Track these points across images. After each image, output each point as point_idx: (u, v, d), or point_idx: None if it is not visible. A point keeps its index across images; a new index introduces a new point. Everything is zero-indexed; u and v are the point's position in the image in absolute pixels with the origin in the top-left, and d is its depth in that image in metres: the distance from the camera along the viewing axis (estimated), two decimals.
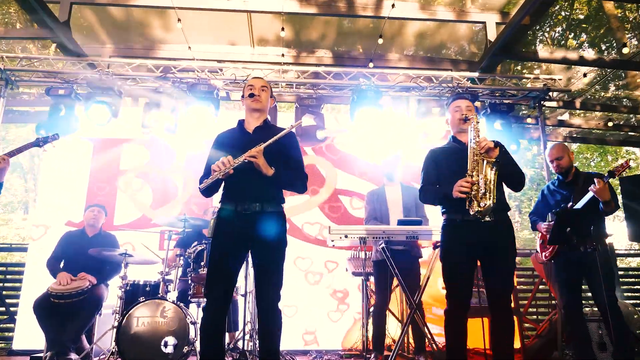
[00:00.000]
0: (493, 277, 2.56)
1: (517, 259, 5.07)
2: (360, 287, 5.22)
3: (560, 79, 5.50)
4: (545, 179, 5.48)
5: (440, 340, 4.09)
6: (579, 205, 3.24)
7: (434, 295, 5.06)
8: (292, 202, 5.34)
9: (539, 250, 3.64)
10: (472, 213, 2.45)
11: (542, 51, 5.87)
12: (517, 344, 4.55)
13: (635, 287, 6.93)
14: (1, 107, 5.25)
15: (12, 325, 5.17)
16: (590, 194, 3.18)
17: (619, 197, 4.03)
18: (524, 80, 5.88)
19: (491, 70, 5.80)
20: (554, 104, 6.20)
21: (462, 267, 2.58)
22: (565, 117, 7.96)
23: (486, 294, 2.60)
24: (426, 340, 3.82)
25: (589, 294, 3.52)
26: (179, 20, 4.94)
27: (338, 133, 5.83)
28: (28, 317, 4.06)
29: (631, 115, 8.84)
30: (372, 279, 4.16)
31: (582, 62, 5.73)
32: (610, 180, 3.19)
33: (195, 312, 3.80)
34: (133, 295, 3.73)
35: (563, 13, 10.22)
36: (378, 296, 3.92)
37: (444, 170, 2.75)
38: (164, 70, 5.34)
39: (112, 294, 4.13)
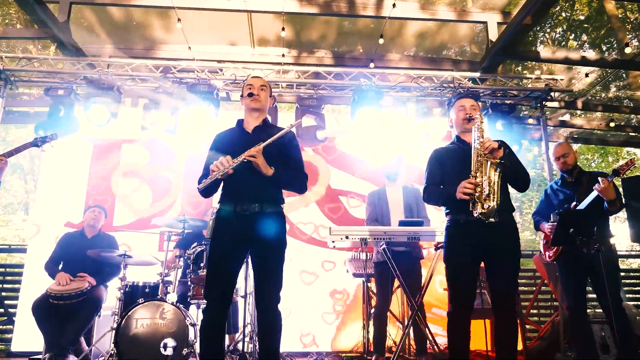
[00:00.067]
0: (497, 278, 2.53)
1: None
2: (359, 288, 5.20)
3: (562, 79, 5.48)
4: (547, 180, 5.45)
5: (440, 340, 4.07)
6: (584, 204, 3.21)
7: (434, 295, 5.04)
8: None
9: (542, 250, 3.61)
10: (475, 215, 2.42)
11: (544, 51, 5.84)
12: (519, 346, 4.52)
13: (637, 288, 6.90)
14: (0, 107, 5.23)
15: (10, 326, 5.15)
16: (594, 193, 3.15)
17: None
18: (525, 80, 5.86)
19: (492, 71, 5.77)
20: (555, 104, 6.17)
21: (465, 268, 2.55)
22: (566, 117, 7.94)
23: (490, 295, 2.57)
24: (427, 342, 3.80)
25: (592, 295, 3.49)
26: (178, 20, 4.92)
27: (339, 134, 5.81)
28: (27, 318, 4.03)
29: (632, 116, 8.81)
30: (372, 280, 4.14)
31: (584, 62, 5.71)
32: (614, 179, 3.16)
33: (195, 314, 3.77)
34: (132, 296, 3.69)
35: (564, 14, 10.22)
36: (379, 298, 3.90)
37: (448, 170, 2.72)
38: (163, 71, 5.32)
39: (111, 296, 4.10)
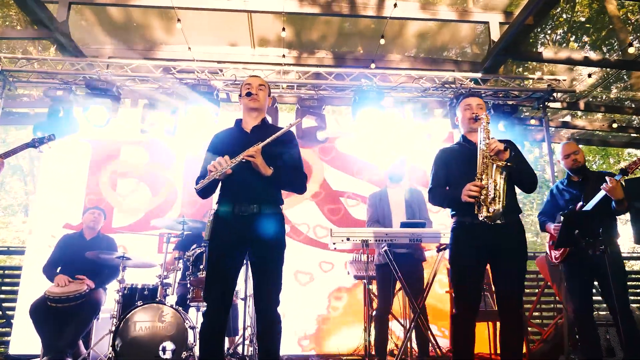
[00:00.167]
0: (503, 280, 2.49)
1: None
2: (358, 290, 5.16)
3: (565, 80, 5.44)
4: (551, 182, 5.42)
5: (441, 342, 4.02)
6: (591, 205, 3.16)
7: (434, 296, 5.01)
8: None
9: (548, 251, 3.56)
10: (480, 218, 2.39)
11: (546, 51, 5.80)
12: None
13: (638, 290, 6.85)
14: None
15: (8, 329, 5.10)
16: (602, 193, 3.10)
17: None
18: (526, 81, 5.82)
19: (494, 71, 5.74)
20: (557, 105, 6.13)
21: (470, 270, 2.51)
22: (567, 119, 7.91)
23: (496, 298, 2.54)
24: (429, 345, 3.75)
25: (596, 298, 3.45)
26: (178, 20, 4.89)
27: (339, 134, 5.78)
28: (25, 321, 3.99)
29: (634, 117, 8.78)
30: (373, 282, 4.09)
31: (586, 62, 5.68)
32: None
33: (195, 317, 3.73)
34: (131, 299, 3.67)
35: (564, 15, 10.20)
36: (381, 300, 3.85)
37: (453, 171, 2.68)
38: (163, 71, 5.29)
39: (109, 298, 4.06)
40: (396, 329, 4.35)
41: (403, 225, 3.61)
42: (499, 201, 2.35)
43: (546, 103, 5.54)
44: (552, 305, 6.08)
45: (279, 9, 5.32)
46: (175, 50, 6.09)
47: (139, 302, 3.47)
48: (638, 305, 6.36)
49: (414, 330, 3.72)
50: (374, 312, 3.93)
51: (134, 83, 5.36)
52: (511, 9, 5.62)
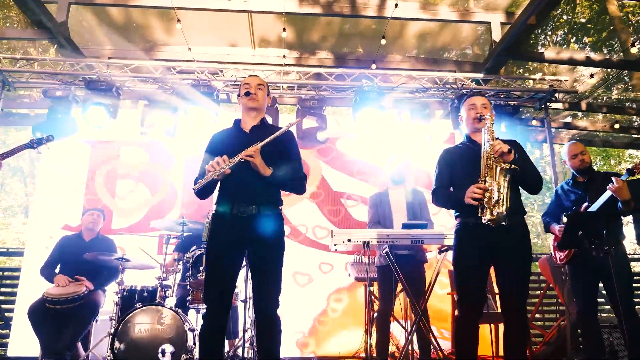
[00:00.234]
0: (507, 281, 2.46)
1: None
2: (358, 291, 5.13)
3: (567, 80, 5.41)
4: (552, 183, 5.38)
5: (442, 344, 3.99)
6: (596, 205, 3.13)
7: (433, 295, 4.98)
8: None
9: (553, 252, 3.53)
10: (484, 221, 2.36)
11: (548, 52, 5.77)
12: None
13: None
14: None
15: (7, 331, 5.07)
16: (608, 194, 3.07)
17: None
18: (528, 81, 5.80)
19: (496, 71, 5.71)
20: (559, 105, 6.10)
21: (474, 271, 2.48)
22: (569, 119, 7.87)
23: (500, 300, 2.49)
24: (431, 347, 3.71)
25: (600, 300, 3.41)
26: (178, 20, 4.87)
27: (339, 135, 5.76)
28: (24, 323, 3.96)
29: (635, 118, 8.75)
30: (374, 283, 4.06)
31: (588, 62, 5.65)
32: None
33: (194, 319, 3.70)
34: (130, 301, 3.63)
35: (565, 16, 10.20)
36: (382, 302, 3.82)
37: (457, 172, 2.65)
38: (163, 72, 5.27)
39: (109, 300, 4.03)
40: (397, 331, 4.32)
41: (404, 226, 3.58)
42: (503, 204, 2.32)
43: (548, 104, 5.51)
44: (555, 307, 6.05)
45: (279, 10, 5.30)
46: (175, 50, 6.07)
47: (138, 304, 3.44)
48: None
49: (415, 332, 3.69)
50: (375, 314, 3.90)
51: (133, 84, 5.34)
52: (513, 9, 5.60)
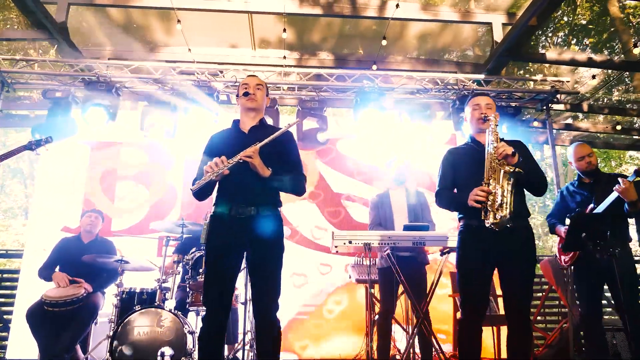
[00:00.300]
0: (511, 284, 2.43)
1: None
2: (357, 293, 5.09)
3: (569, 81, 5.39)
4: (555, 185, 5.35)
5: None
6: (602, 207, 3.10)
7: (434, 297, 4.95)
8: None
9: (558, 254, 3.50)
10: (487, 225, 2.33)
11: (550, 53, 5.75)
12: None
13: None
14: None
15: (5, 333, 5.04)
16: (614, 195, 3.04)
17: None
18: (529, 82, 5.78)
19: (497, 72, 5.69)
20: (561, 106, 6.07)
21: (477, 273, 2.45)
22: (569, 121, 7.85)
23: (503, 303, 2.46)
24: (433, 351, 3.68)
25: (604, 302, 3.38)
26: (178, 21, 4.85)
27: (340, 136, 5.74)
28: (22, 325, 3.93)
29: (636, 119, 8.71)
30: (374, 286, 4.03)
31: (590, 63, 5.62)
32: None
33: (194, 321, 3.66)
34: (129, 303, 3.61)
35: (565, 18, 10.19)
36: (383, 304, 3.78)
37: (461, 173, 2.62)
38: (163, 73, 5.24)
39: (107, 302, 4.00)
40: (397, 333, 4.28)
41: (406, 228, 3.55)
42: (506, 207, 2.29)
43: (550, 105, 5.49)
44: (557, 310, 6.01)
45: (279, 10, 5.28)
46: (175, 51, 6.04)
47: (137, 307, 3.41)
48: None
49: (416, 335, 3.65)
50: (376, 317, 3.87)
51: (133, 85, 5.32)
52: (514, 10, 5.58)
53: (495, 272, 2.54)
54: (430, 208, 4.02)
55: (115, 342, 3.22)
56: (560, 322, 4.65)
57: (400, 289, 3.70)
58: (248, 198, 2.32)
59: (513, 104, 5.33)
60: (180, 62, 5.53)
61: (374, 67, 5.49)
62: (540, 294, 5.75)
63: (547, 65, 8.44)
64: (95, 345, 3.89)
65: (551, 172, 5.65)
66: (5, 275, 6.37)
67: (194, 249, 3.80)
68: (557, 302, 5.88)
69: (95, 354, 3.87)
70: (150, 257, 4.77)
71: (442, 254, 3.52)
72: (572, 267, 3.36)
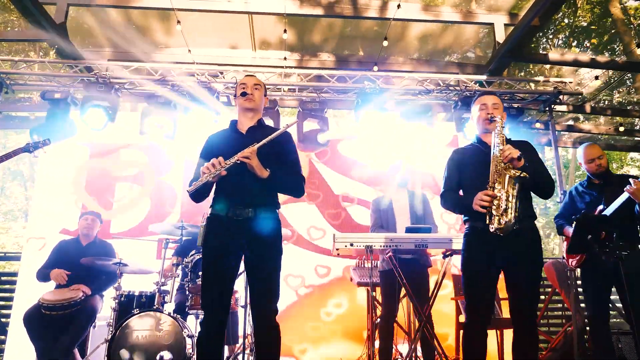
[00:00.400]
0: (517, 286, 2.38)
1: None
2: (356, 295, 5.04)
3: (571, 82, 5.35)
4: (558, 187, 5.30)
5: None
6: (612, 208, 3.05)
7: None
8: None
9: (565, 256, 3.45)
10: (492, 230, 2.29)
11: (552, 53, 5.72)
12: None
13: None
14: None
15: (3, 337, 4.99)
16: (624, 196, 2.99)
17: None
18: (531, 83, 5.74)
19: (499, 73, 5.66)
20: (563, 108, 6.04)
21: (482, 275, 2.40)
22: (570, 122, 7.82)
23: (509, 306, 2.41)
24: (436, 354, 3.63)
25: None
26: (178, 22, 4.82)
27: (340, 137, 5.70)
28: (20, 329, 3.89)
29: (637, 121, 8.69)
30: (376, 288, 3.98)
31: (593, 64, 5.59)
32: None
33: (193, 325, 3.63)
34: (128, 306, 3.57)
35: (566, 20, 10.18)
36: (385, 307, 3.74)
37: (467, 174, 2.58)
38: (163, 74, 5.21)
39: (106, 305, 3.96)
40: (400, 337, 4.24)
41: (408, 230, 3.51)
42: (511, 212, 2.25)
43: (552, 106, 5.45)
44: (561, 313, 5.95)
45: (280, 11, 5.25)
46: (175, 53, 6.02)
47: (135, 310, 3.37)
48: None
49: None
50: (378, 320, 3.82)
51: (133, 86, 5.29)
52: (516, 11, 5.55)
53: (500, 275, 2.49)
54: (432, 210, 3.98)
55: (113, 346, 3.17)
56: (565, 326, 4.59)
57: (402, 291, 3.65)
58: (246, 199, 2.28)
59: (515, 105, 5.29)
60: (180, 63, 5.50)
61: (375, 68, 5.46)
62: (544, 297, 5.69)
63: (547, 67, 8.43)
64: (93, 349, 3.84)
65: (553, 174, 5.61)
66: (3, 278, 6.33)
67: (193, 252, 3.75)
68: (559, 305, 5.83)
69: (93, 358, 3.82)
70: (149, 259, 4.74)
71: (445, 256, 3.47)
72: (580, 269, 3.31)
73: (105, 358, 3.19)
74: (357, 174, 5.63)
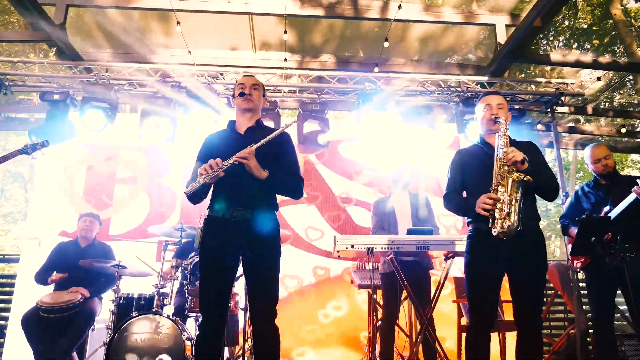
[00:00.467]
0: (521, 289, 2.35)
1: None
2: (356, 297, 5.01)
3: (573, 83, 5.32)
4: (560, 190, 5.28)
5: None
6: (618, 209, 3.02)
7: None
8: None
9: (570, 258, 3.42)
10: (494, 233, 2.27)
11: (554, 54, 5.70)
12: None
13: None
14: None
15: (1, 340, 4.96)
16: (632, 197, 2.96)
17: None
18: (532, 85, 5.71)
19: (500, 74, 5.63)
20: (565, 109, 6.01)
21: (486, 277, 2.38)
22: (572, 124, 7.80)
23: (513, 309, 2.38)
24: (437, 357, 3.60)
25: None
26: (178, 23, 4.80)
27: (341, 139, 5.68)
28: (18, 331, 3.86)
29: (637, 122, 8.66)
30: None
31: (595, 65, 5.56)
32: None
33: (193, 328, 3.59)
34: (126, 309, 3.54)
35: (567, 22, 10.19)
36: (386, 310, 3.71)
37: (470, 175, 2.55)
38: (162, 75, 5.19)
39: (104, 308, 3.93)
40: (401, 340, 4.20)
41: (409, 232, 3.49)
42: (514, 216, 2.23)
43: (554, 107, 5.42)
44: (563, 315, 5.92)
45: (280, 12, 5.23)
46: (175, 54, 5.99)
47: (134, 313, 3.34)
48: None
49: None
50: (379, 322, 3.79)
51: (132, 87, 5.26)
52: (517, 12, 5.53)
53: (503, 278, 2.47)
54: (434, 211, 3.95)
55: (112, 349, 3.14)
56: (567, 328, 4.56)
57: (404, 294, 3.62)
58: (244, 200, 2.26)
59: (517, 107, 5.26)
60: (180, 65, 5.48)
61: (376, 69, 5.43)
62: (546, 300, 5.66)
63: (548, 69, 8.41)
64: (92, 352, 3.81)
65: (559, 175, 5.58)
66: (2, 281, 6.30)
67: (192, 254, 3.73)
68: (562, 308, 5.79)
69: None
70: (148, 261, 4.70)
71: (447, 258, 3.44)
72: (584, 271, 3.28)
73: None
74: (357, 175, 5.60)
